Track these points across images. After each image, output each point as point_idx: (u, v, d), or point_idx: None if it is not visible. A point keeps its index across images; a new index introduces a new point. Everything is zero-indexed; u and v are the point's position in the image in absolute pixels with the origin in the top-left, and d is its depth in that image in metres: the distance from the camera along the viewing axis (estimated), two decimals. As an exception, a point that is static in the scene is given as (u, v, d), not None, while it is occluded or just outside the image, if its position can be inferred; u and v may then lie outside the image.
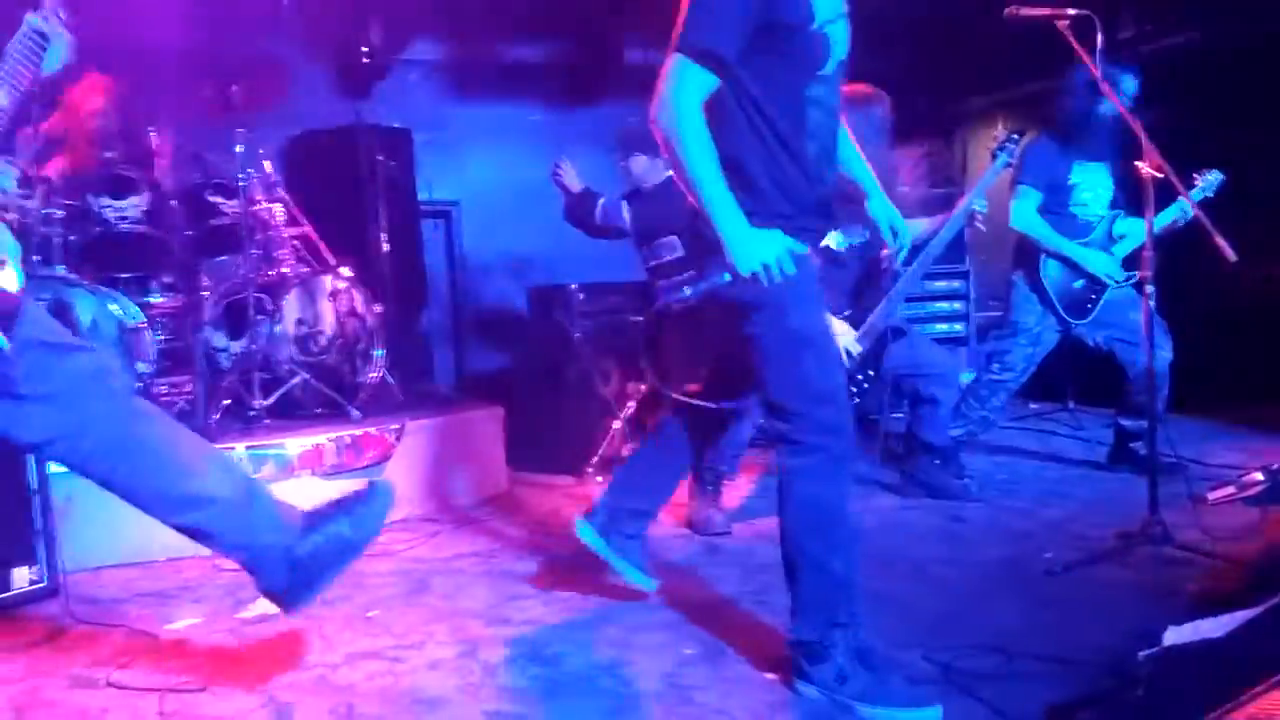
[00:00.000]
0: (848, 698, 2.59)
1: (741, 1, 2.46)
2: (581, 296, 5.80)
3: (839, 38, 2.63)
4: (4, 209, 2.38)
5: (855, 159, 3.12)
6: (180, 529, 2.52)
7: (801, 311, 2.65)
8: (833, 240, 4.42)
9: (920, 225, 4.63)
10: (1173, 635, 2.36)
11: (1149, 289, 3.70)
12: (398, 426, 4.80)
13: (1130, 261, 4.74)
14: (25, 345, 2.32)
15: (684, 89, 2.47)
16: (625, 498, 3.41)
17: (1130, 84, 4.46)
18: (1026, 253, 4.91)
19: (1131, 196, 4.76)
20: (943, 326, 7.01)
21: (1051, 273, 4.80)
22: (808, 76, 2.59)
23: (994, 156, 4.53)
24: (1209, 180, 4.65)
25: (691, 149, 2.48)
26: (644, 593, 3.46)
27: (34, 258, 4.77)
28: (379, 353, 5.35)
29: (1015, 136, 4.56)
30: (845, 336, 4.39)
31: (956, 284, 7.06)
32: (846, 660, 2.63)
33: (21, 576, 3.56)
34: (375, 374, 5.35)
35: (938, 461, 4.78)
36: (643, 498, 3.43)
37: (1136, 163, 3.75)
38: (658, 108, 2.50)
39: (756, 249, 2.47)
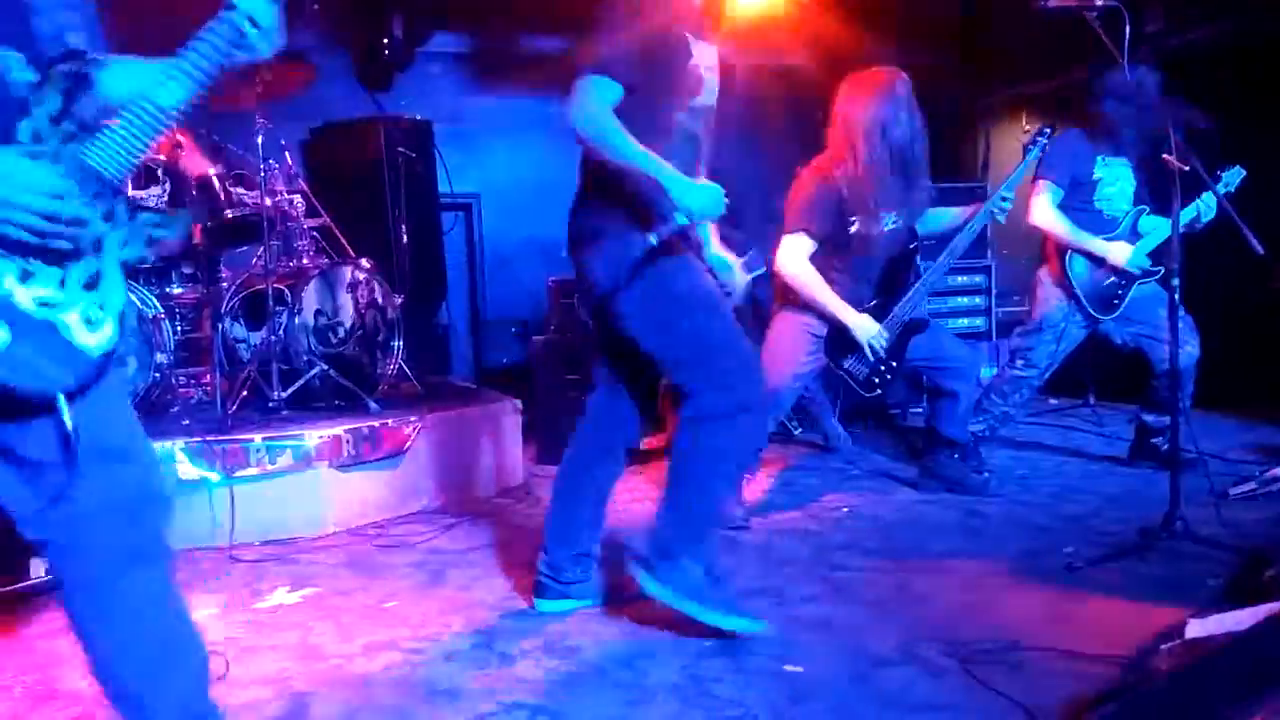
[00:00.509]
0: (707, 603, 2.96)
1: (637, 24, 2.90)
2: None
3: (710, 84, 3.10)
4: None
5: None
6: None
7: (682, 277, 3.03)
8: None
9: (949, 216, 4.61)
10: (1196, 629, 2.34)
11: (1174, 281, 3.67)
12: (416, 418, 4.80)
13: (1157, 256, 4.70)
14: (84, 430, 1.82)
15: (595, 95, 2.88)
16: (561, 548, 3.37)
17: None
18: (1052, 249, 4.86)
19: (1156, 193, 4.73)
20: (964, 321, 6.97)
21: (1078, 269, 4.75)
22: (678, 105, 3.03)
23: (1025, 150, 4.49)
24: (1230, 175, 4.60)
25: (614, 136, 2.85)
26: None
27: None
28: (398, 344, 5.36)
29: (1046, 130, 4.53)
30: (869, 329, 4.37)
31: (978, 278, 7.02)
32: (695, 566, 3.00)
33: (39, 566, 3.57)
34: (394, 366, 5.35)
35: (956, 455, 4.75)
36: (575, 540, 3.37)
37: (1164, 155, 3.72)
38: (576, 115, 2.89)
39: (699, 193, 2.85)
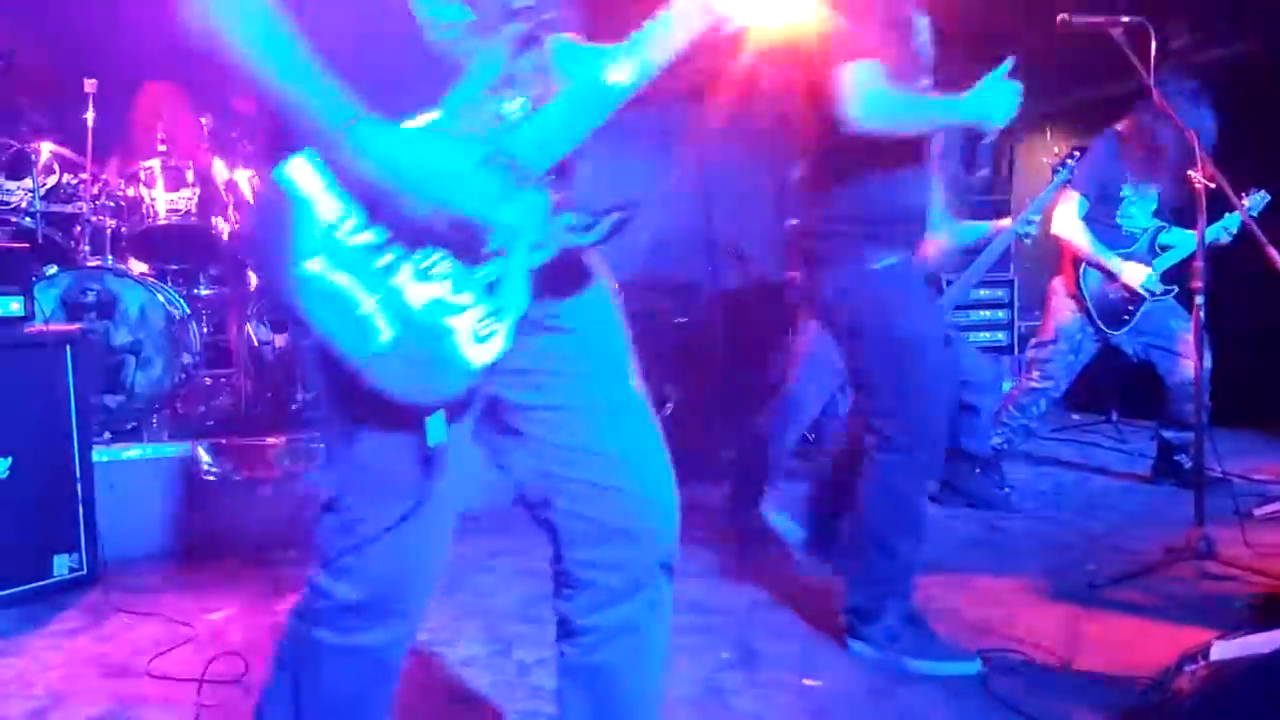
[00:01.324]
0: (898, 653, 2.86)
1: (882, 5, 2.73)
2: (620, 296, 5.78)
3: (927, 60, 2.92)
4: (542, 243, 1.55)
5: None
6: None
7: (907, 316, 2.90)
8: None
9: (974, 229, 4.60)
10: (1220, 650, 2.32)
11: (1199, 300, 3.64)
12: (437, 423, 4.79)
13: (1171, 274, 4.68)
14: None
15: (864, 80, 2.63)
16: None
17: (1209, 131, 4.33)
18: (1068, 260, 4.85)
19: (1179, 209, 4.71)
20: (985, 335, 6.94)
21: (1091, 281, 4.74)
22: (914, 84, 2.81)
23: (1054, 172, 4.47)
24: (1255, 199, 4.58)
25: (902, 108, 2.69)
26: (690, 594, 3.52)
27: (84, 248, 4.85)
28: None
29: (1075, 154, 4.50)
30: None
31: (1000, 293, 6.99)
32: (897, 621, 2.90)
33: (62, 564, 3.59)
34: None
35: (978, 470, 4.73)
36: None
37: (1190, 172, 3.70)
38: (854, 108, 2.63)
39: (995, 104, 2.63)
